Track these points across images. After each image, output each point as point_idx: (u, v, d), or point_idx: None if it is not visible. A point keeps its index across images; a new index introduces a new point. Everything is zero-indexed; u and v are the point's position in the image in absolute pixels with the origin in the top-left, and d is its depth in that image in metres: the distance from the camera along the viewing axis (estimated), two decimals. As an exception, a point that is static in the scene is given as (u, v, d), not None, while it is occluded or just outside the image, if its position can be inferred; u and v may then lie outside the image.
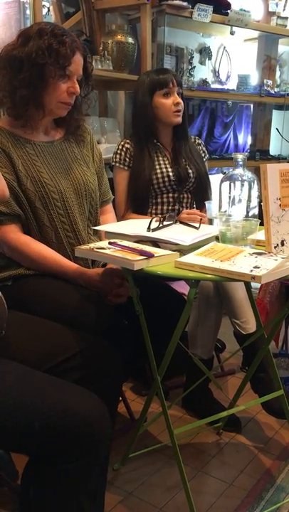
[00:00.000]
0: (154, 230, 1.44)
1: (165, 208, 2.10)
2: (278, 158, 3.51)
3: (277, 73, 3.73)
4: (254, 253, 1.24)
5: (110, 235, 1.44)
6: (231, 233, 1.33)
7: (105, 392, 1.20)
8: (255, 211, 1.47)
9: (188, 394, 1.73)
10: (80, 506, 1.13)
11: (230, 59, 3.68)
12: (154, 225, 1.46)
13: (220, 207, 1.50)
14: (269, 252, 1.25)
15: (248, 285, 1.67)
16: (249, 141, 3.79)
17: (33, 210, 1.49)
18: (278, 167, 1.27)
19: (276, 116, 3.66)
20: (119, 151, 2.08)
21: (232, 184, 1.46)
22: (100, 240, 1.57)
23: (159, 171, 2.05)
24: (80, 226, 1.56)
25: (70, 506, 1.10)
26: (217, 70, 3.63)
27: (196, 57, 3.45)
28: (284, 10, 3.32)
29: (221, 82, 3.67)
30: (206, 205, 1.80)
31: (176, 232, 1.44)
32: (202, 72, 3.49)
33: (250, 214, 1.46)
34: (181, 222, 1.58)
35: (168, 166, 2.08)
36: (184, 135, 2.13)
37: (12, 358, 1.15)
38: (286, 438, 1.91)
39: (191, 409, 2.05)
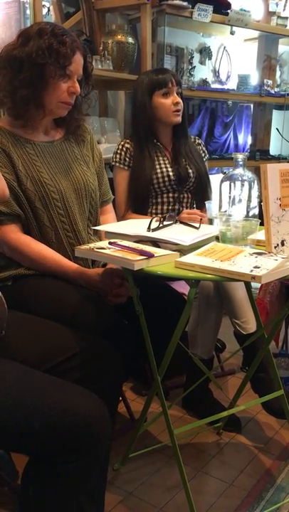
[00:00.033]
0: (154, 230, 1.44)
1: (165, 207, 2.10)
2: (278, 158, 3.51)
3: (278, 73, 3.72)
4: (254, 253, 1.24)
5: (110, 235, 1.44)
6: (231, 233, 1.33)
7: (105, 392, 1.20)
8: (256, 211, 1.47)
9: (189, 394, 1.73)
10: (80, 506, 1.13)
11: (230, 59, 3.67)
12: (154, 225, 1.46)
13: (220, 207, 1.50)
14: (269, 252, 1.24)
15: (248, 285, 1.67)
16: (249, 141, 3.79)
17: (33, 210, 1.49)
18: (278, 167, 1.27)
19: (276, 116, 3.66)
20: (119, 151, 2.08)
21: (232, 184, 1.46)
22: (100, 240, 1.57)
23: (159, 170, 2.05)
24: (80, 226, 1.56)
25: (70, 506, 1.10)
26: (217, 69, 3.63)
27: (196, 57, 3.45)
28: (284, 10, 3.32)
29: (221, 82, 3.66)
30: (206, 205, 1.81)
31: (176, 232, 1.44)
32: (202, 72, 3.49)
33: (251, 214, 1.46)
34: (181, 222, 1.58)
35: (168, 165, 2.08)
36: (183, 135, 2.13)
37: (12, 358, 1.15)
38: (286, 438, 1.91)
39: (191, 409, 2.04)
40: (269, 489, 1.64)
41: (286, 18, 3.31)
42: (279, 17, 3.27)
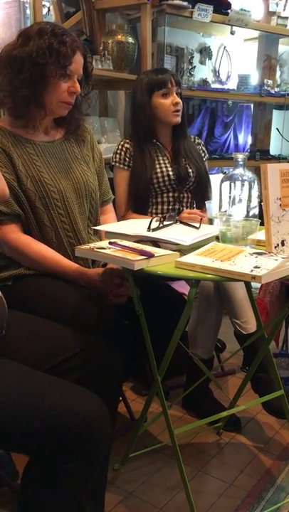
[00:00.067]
0: (154, 229, 1.44)
1: (165, 207, 2.10)
2: (278, 158, 3.51)
3: (278, 73, 3.73)
4: (254, 253, 1.24)
5: (110, 234, 1.44)
6: (232, 233, 1.33)
7: (105, 392, 1.20)
8: (256, 211, 1.47)
9: (189, 394, 1.73)
10: (80, 506, 1.13)
11: (230, 59, 3.67)
12: (154, 225, 1.46)
13: (220, 207, 1.50)
14: (269, 252, 1.24)
15: (248, 285, 1.67)
16: (249, 141, 3.79)
17: (33, 209, 1.49)
18: (278, 167, 1.27)
19: (276, 116, 3.66)
20: (118, 151, 2.08)
21: (232, 184, 1.46)
22: (100, 240, 1.56)
23: (159, 170, 2.05)
24: (80, 226, 1.56)
25: (71, 506, 1.10)
26: (217, 69, 3.63)
27: (197, 57, 3.45)
28: (284, 10, 3.32)
29: (221, 82, 3.66)
30: (206, 204, 1.81)
31: (177, 232, 1.44)
32: (202, 72, 3.49)
33: (251, 214, 1.46)
34: (181, 222, 1.58)
35: (168, 165, 2.08)
36: (183, 134, 2.13)
37: (12, 358, 1.15)
38: (286, 438, 1.91)
39: (192, 409, 2.04)
40: (269, 489, 1.64)
41: (286, 18, 3.31)
42: (279, 17, 3.27)
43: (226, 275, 1.13)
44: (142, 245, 1.31)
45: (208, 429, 1.93)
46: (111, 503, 1.55)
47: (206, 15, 2.67)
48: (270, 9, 3.23)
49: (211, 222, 1.73)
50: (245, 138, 3.83)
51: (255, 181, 1.46)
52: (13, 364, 1.12)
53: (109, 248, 1.29)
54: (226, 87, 3.61)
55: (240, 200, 1.46)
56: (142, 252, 1.23)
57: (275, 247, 1.25)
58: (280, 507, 1.57)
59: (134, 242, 1.35)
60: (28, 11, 2.05)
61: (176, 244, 1.34)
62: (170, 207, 2.10)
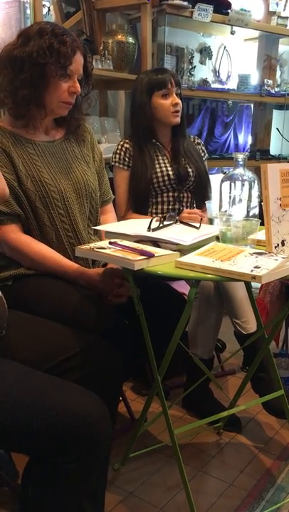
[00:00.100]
0: (154, 229, 1.44)
1: (165, 207, 2.10)
2: (279, 158, 3.51)
3: (278, 73, 3.72)
4: (254, 253, 1.24)
5: (110, 234, 1.44)
6: (232, 233, 1.33)
7: (105, 392, 1.20)
8: (256, 211, 1.47)
9: (189, 394, 1.73)
10: (80, 506, 1.13)
11: (230, 59, 3.67)
12: (155, 224, 1.46)
13: (220, 207, 1.50)
14: (269, 252, 1.24)
15: (248, 285, 1.67)
16: (249, 140, 3.79)
17: (34, 209, 1.49)
18: (279, 167, 1.27)
19: (276, 116, 3.66)
20: (118, 151, 2.08)
21: (232, 184, 1.46)
22: (101, 240, 1.56)
23: (158, 170, 2.05)
24: (80, 226, 1.56)
25: (71, 506, 1.10)
26: (217, 69, 3.63)
27: (197, 56, 3.45)
28: (284, 10, 3.32)
29: (221, 82, 3.66)
30: (206, 204, 1.80)
31: (177, 232, 1.44)
32: (202, 72, 3.49)
33: (251, 214, 1.46)
34: (181, 222, 1.58)
35: (167, 165, 2.08)
36: (182, 134, 2.13)
37: (12, 358, 1.15)
38: (286, 438, 1.91)
39: (192, 409, 2.04)
40: (269, 489, 1.64)
41: (286, 17, 3.31)
42: (279, 17, 3.27)
43: (226, 275, 1.13)
44: (142, 245, 1.31)
45: (208, 429, 1.93)
46: (111, 503, 1.55)
47: (206, 15, 2.67)
48: (270, 9, 3.23)
49: (211, 222, 1.73)
50: (245, 138, 3.83)
51: (256, 181, 1.46)
52: (13, 364, 1.12)
53: (110, 248, 1.29)
54: (226, 87, 3.61)
55: (240, 200, 1.46)
56: (142, 252, 1.23)
57: (275, 247, 1.25)
58: (280, 507, 1.57)
59: (134, 242, 1.35)
60: (28, 11, 2.05)
61: (176, 244, 1.34)
62: (170, 207, 2.10)
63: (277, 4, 3.23)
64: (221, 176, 3.05)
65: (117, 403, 1.53)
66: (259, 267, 1.14)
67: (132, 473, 1.70)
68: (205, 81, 3.38)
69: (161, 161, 2.07)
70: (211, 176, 2.24)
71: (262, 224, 1.29)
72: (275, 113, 3.65)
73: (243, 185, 1.45)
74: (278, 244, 1.26)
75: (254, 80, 3.48)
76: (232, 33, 3.10)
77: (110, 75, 2.52)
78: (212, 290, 1.88)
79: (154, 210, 2.10)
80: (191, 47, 3.39)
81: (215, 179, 2.23)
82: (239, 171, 1.46)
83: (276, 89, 3.49)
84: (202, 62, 3.50)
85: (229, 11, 2.82)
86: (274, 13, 3.25)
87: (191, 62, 3.38)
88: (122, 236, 1.40)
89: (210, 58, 3.54)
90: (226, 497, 1.61)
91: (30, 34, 1.43)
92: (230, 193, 1.46)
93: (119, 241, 1.32)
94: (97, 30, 2.64)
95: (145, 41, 2.53)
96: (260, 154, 3.39)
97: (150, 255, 1.22)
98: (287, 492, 1.63)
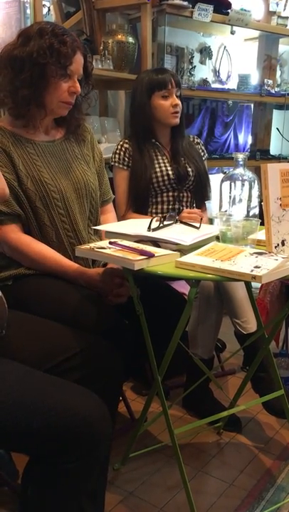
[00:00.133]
0: (154, 229, 1.44)
1: (165, 206, 2.10)
2: (279, 158, 3.51)
3: (278, 73, 3.73)
4: (254, 253, 1.24)
5: (111, 234, 1.44)
6: (232, 233, 1.33)
7: (105, 391, 1.20)
8: (256, 211, 1.47)
9: (189, 394, 1.73)
10: (80, 506, 1.13)
11: (230, 58, 3.68)
12: (155, 224, 1.46)
13: (220, 206, 1.50)
14: (269, 252, 1.24)
15: (248, 285, 1.67)
16: (249, 140, 3.79)
17: (34, 209, 1.49)
18: (279, 167, 1.27)
19: (276, 115, 3.66)
20: (118, 151, 2.08)
21: (232, 184, 1.46)
22: (101, 240, 1.56)
23: (158, 169, 2.05)
24: (80, 226, 1.56)
25: (71, 506, 1.10)
26: (217, 69, 3.63)
27: (197, 56, 3.45)
28: (284, 9, 3.32)
29: (221, 82, 3.66)
30: (206, 204, 1.81)
31: (177, 232, 1.44)
32: (202, 72, 3.49)
33: (251, 214, 1.46)
34: (181, 222, 1.58)
35: (167, 164, 2.08)
36: (181, 134, 2.13)
37: (12, 358, 1.15)
38: (286, 438, 1.91)
39: (192, 409, 2.04)
40: (269, 489, 1.64)
41: (286, 17, 3.31)
42: (279, 17, 3.28)
43: (226, 275, 1.13)
44: (142, 245, 1.31)
45: (208, 429, 1.93)
46: (111, 503, 1.55)
47: (206, 15, 2.67)
48: (271, 9, 3.23)
49: (211, 222, 1.73)
50: (245, 138, 3.83)
51: (256, 181, 1.46)
52: (13, 364, 1.12)
53: (110, 248, 1.29)
54: (226, 86, 3.61)
55: (240, 200, 1.46)
56: (142, 252, 1.23)
57: (276, 247, 1.25)
58: (280, 507, 1.57)
59: (135, 242, 1.35)
60: (28, 11, 2.05)
61: (177, 244, 1.34)
62: (170, 206, 2.10)
63: (277, 4, 3.23)
64: (221, 175, 3.05)
65: (117, 403, 1.53)
66: (259, 267, 1.14)
67: (132, 473, 1.70)
68: (205, 81, 3.38)
69: (160, 161, 2.07)
70: (211, 176, 2.25)
71: (262, 224, 1.29)
72: (275, 113, 3.65)
73: (243, 185, 1.45)
74: (278, 244, 1.26)
75: (254, 79, 3.48)
76: (232, 32, 3.10)
77: (110, 75, 2.52)
78: (212, 290, 1.88)
79: (153, 210, 2.10)
80: (191, 47, 3.39)
81: (215, 179, 2.23)
82: (239, 170, 1.46)
83: (276, 89, 3.49)
84: (202, 62, 3.50)
85: (229, 10, 2.82)
86: (274, 13, 3.25)
87: (191, 62, 3.38)
88: (122, 236, 1.40)
89: (210, 58, 3.54)
90: (226, 497, 1.61)
91: (31, 34, 1.43)
92: (230, 192, 1.46)
93: (119, 241, 1.32)
94: (97, 30, 2.64)
95: (145, 41, 2.53)
96: (260, 154, 3.39)
97: (150, 255, 1.22)
98: (287, 492, 1.63)
